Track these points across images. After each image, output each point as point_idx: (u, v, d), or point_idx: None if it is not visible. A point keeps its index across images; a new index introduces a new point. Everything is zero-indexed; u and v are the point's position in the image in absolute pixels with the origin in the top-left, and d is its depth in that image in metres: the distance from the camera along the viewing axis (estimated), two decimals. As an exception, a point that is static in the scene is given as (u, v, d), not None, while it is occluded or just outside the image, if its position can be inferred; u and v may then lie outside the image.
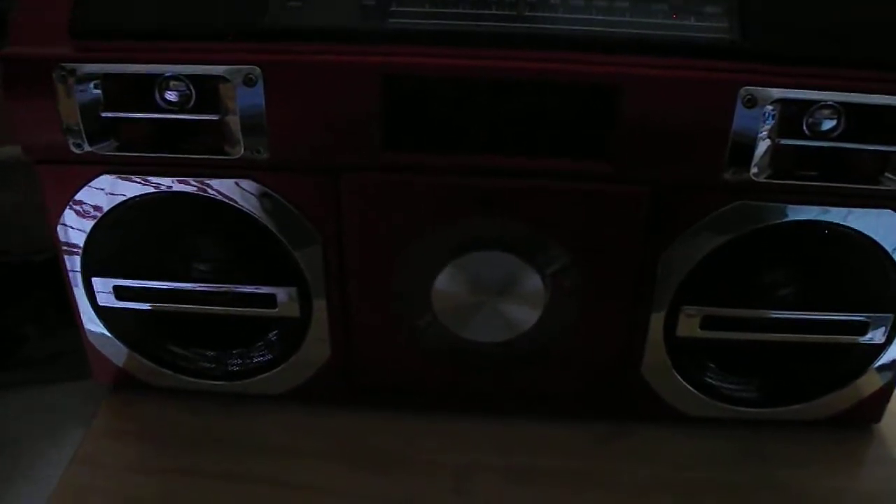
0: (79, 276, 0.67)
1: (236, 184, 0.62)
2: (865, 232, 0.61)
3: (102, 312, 0.69)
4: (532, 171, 0.60)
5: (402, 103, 0.58)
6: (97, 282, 0.67)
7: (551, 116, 0.59)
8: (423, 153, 0.60)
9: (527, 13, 0.57)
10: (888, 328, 0.65)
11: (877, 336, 0.65)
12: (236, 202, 0.62)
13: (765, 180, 0.58)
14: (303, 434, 0.71)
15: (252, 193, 0.62)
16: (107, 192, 0.63)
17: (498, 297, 0.64)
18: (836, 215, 0.61)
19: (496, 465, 0.68)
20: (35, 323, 1.35)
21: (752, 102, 0.56)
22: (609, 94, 0.57)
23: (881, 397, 0.70)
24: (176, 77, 0.58)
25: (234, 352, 0.71)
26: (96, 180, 0.62)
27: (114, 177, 0.62)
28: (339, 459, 0.69)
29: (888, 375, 0.68)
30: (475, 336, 0.66)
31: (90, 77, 0.58)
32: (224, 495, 0.66)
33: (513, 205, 0.61)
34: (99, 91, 0.59)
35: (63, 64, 0.57)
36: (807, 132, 0.58)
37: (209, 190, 0.62)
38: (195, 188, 0.62)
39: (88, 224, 0.64)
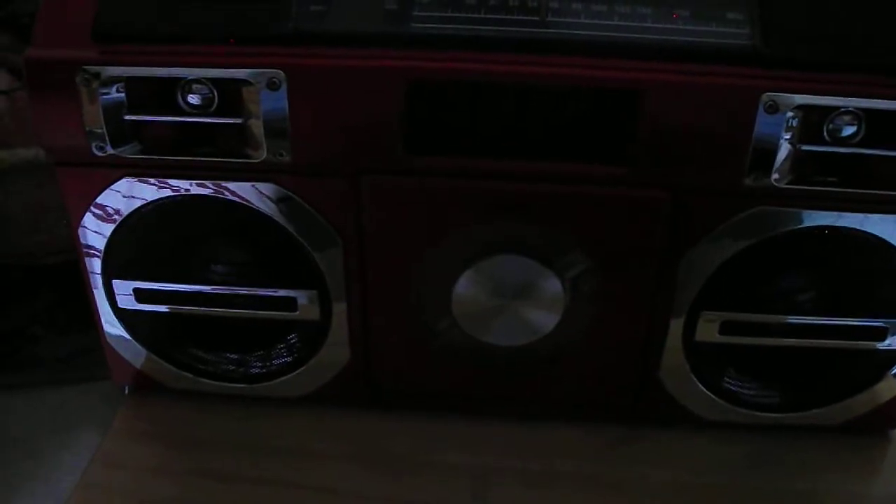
0: (99, 279, 0.67)
1: (253, 186, 0.62)
2: (883, 237, 0.61)
3: (122, 315, 0.69)
4: (553, 175, 0.60)
5: (425, 107, 0.59)
6: (117, 284, 0.67)
7: (573, 121, 0.59)
8: (445, 157, 0.60)
9: (549, 18, 0.57)
10: (906, 334, 0.65)
11: (895, 342, 0.65)
12: (255, 205, 0.63)
13: (786, 186, 0.59)
14: (321, 437, 0.71)
15: (270, 196, 0.62)
16: (128, 195, 0.63)
17: (517, 301, 0.64)
18: (853, 220, 0.61)
19: (513, 469, 0.69)
20: (45, 324, 1.35)
21: (773, 108, 0.56)
22: (631, 99, 0.57)
23: (900, 403, 0.70)
24: (198, 80, 0.58)
25: (254, 354, 0.72)
26: (118, 183, 0.63)
27: (135, 180, 0.62)
28: (357, 462, 0.69)
29: (907, 381, 0.68)
30: (494, 340, 0.66)
31: (114, 80, 0.58)
32: (242, 497, 0.66)
33: (534, 209, 0.61)
34: (122, 94, 0.59)
35: (86, 67, 0.57)
36: (827, 138, 0.58)
37: (227, 193, 0.62)
38: (212, 191, 0.62)
39: (109, 227, 0.65)
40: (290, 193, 0.62)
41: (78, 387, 1.30)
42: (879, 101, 0.56)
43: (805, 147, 0.58)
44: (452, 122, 0.60)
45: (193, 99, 0.59)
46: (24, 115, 1.09)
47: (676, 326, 0.66)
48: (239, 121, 0.59)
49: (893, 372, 0.67)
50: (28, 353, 1.32)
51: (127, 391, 0.75)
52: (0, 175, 1.08)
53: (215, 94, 0.59)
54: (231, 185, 0.62)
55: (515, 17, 0.58)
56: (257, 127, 0.59)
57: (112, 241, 0.65)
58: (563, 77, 0.57)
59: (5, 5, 1.16)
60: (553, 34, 0.57)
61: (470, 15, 0.58)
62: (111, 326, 0.70)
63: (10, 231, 1.15)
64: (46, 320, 1.35)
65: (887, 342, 0.65)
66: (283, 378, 0.71)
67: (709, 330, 0.65)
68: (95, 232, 0.65)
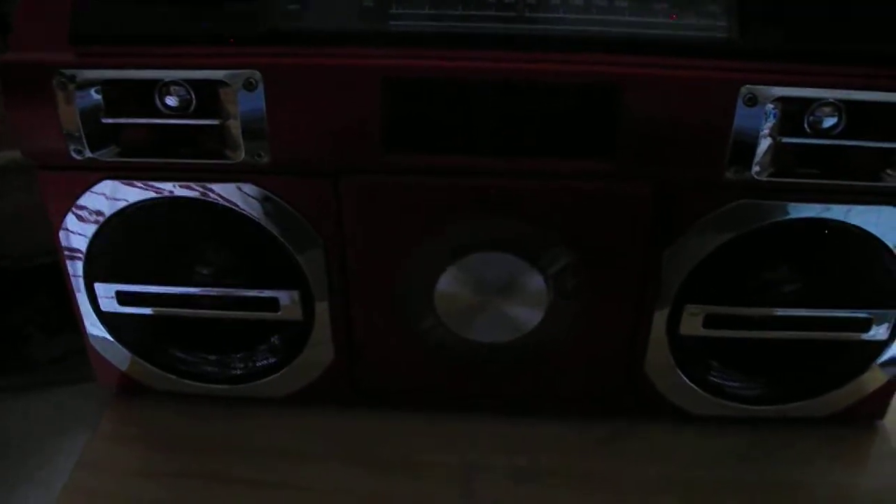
0: (81, 282, 0.67)
1: (238, 188, 0.62)
2: (867, 228, 0.61)
3: (105, 317, 0.69)
4: (533, 171, 0.60)
5: (403, 105, 0.58)
6: (100, 287, 0.67)
7: (552, 117, 0.59)
8: (425, 155, 0.60)
9: (527, 14, 0.57)
10: (891, 325, 0.65)
11: (880, 332, 0.65)
12: (238, 206, 0.62)
13: (766, 179, 0.58)
14: (307, 437, 0.71)
15: (253, 197, 0.62)
16: (108, 197, 0.63)
17: (501, 298, 0.64)
18: (836, 212, 0.60)
19: (501, 466, 0.68)
20: (38, 326, 1.35)
21: (752, 101, 0.56)
22: (610, 94, 0.57)
23: (885, 393, 0.70)
24: (176, 82, 0.58)
25: (238, 355, 0.71)
26: (98, 186, 0.62)
27: (115, 182, 0.62)
28: (343, 462, 0.69)
29: (892, 371, 0.68)
30: (478, 337, 0.66)
31: (90, 83, 0.58)
32: (228, 498, 0.66)
33: (514, 205, 0.61)
34: (99, 97, 0.59)
35: (63, 70, 0.57)
36: (808, 130, 0.58)
37: (210, 194, 0.62)
38: (197, 193, 0.62)
39: (90, 229, 0.64)
40: (269, 194, 0.62)
41: (71, 388, 1.30)
42: (859, 92, 0.56)
43: (785, 139, 0.57)
44: (432, 119, 0.60)
45: (171, 101, 0.59)
46: (11, 117, 1.09)
47: (661, 320, 0.65)
48: (216, 122, 0.59)
49: (879, 363, 0.67)
50: (21, 354, 1.32)
51: (114, 393, 0.75)
52: (-10, 176, 1.08)
53: (193, 95, 0.59)
54: (216, 187, 0.62)
55: (493, 13, 0.57)
56: (235, 128, 0.59)
57: (93, 243, 0.65)
58: (541, 73, 0.57)
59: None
60: (531, 30, 0.57)
61: (447, 11, 0.57)
62: (94, 329, 0.70)
63: (2, 232, 1.15)
64: (40, 321, 1.35)
65: (871, 333, 0.65)
66: (267, 378, 0.71)
67: (693, 323, 0.65)
68: (77, 234, 0.65)
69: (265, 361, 0.71)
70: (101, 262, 0.66)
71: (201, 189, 0.62)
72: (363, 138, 0.59)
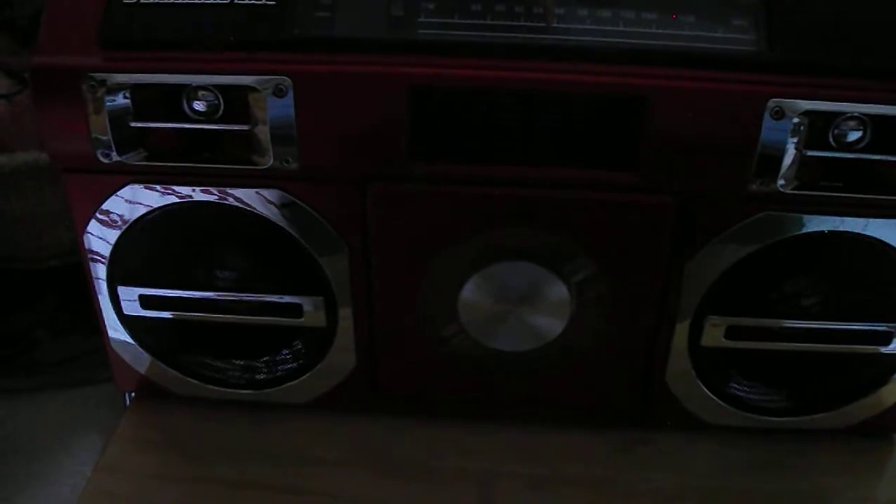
0: (104, 285, 0.67)
1: (257, 193, 0.62)
2: (888, 241, 0.61)
3: (127, 321, 0.69)
4: (559, 181, 0.61)
5: (431, 114, 0.59)
6: (123, 290, 0.67)
7: (579, 127, 0.60)
8: (451, 164, 0.60)
9: (555, 25, 0.58)
10: (911, 338, 0.66)
11: (900, 346, 0.66)
12: (262, 212, 0.63)
13: (791, 191, 0.59)
14: (327, 442, 0.71)
15: (274, 203, 0.62)
16: (133, 201, 0.63)
17: (523, 307, 0.64)
18: (858, 225, 0.61)
19: (520, 474, 0.69)
20: (47, 328, 1.35)
21: (779, 114, 0.56)
22: (637, 105, 0.57)
23: (903, 407, 0.70)
24: (204, 87, 0.58)
25: (260, 361, 0.72)
26: (123, 190, 0.63)
27: (140, 186, 0.62)
28: (363, 468, 0.69)
29: (911, 385, 0.68)
30: (501, 346, 0.66)
31: (119, 87, 0.58)
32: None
33: (540, 215, 0.61)
34: (128, 101, 0.59)
35: (93, 74, 0.57)
36: (833, 143, 0.58)
37: (233, 200, 0.62)
38: (216, 197, 0.62)
39: (114, 233, 0.65)
40: (295, 200, 0.62)
41: (79, 390, 1.30)
42: (885, 106, 0.56)
43: (811, 152, 0.58)
44: (459, 128, 0.60)
45: (199, 106, 0.59)
46: (23, 119, 1.09)
47: (682, 331, 0.66)
48: (245, 128, 0.59)
49: (898, 376, 0.68)
50: (30, 356, 1.32)
51: (132, 397, 0.75)
52: (1, 179, 1.08)
53: (221, 100, 0.59)
54: (236, 192, 0.62)
55: (521, 24, 0.58)
56: (263, 133, 0.59)
57: (117, 247, 0.65)
58: (568, 84, 0.57)
59: (3, 8, 1.16)
60: (558, 41, 0.57)
61: (475, 21, 0.58)
62: (116, 332, 0.70)
63: (11, 234, 1.15)
64: (48, 323, 1.35)
65: (892, 346, 0.66)
66: (288, 384, 0.71)
67: (715, 334, 0.65)
68: (100, 238, 0.65)
69: (287, 367, 0.71)
70: (125, 266, 0.67)
71: (224, 194, 0.62)
72: (390, 146, 0.59)
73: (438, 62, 0.57)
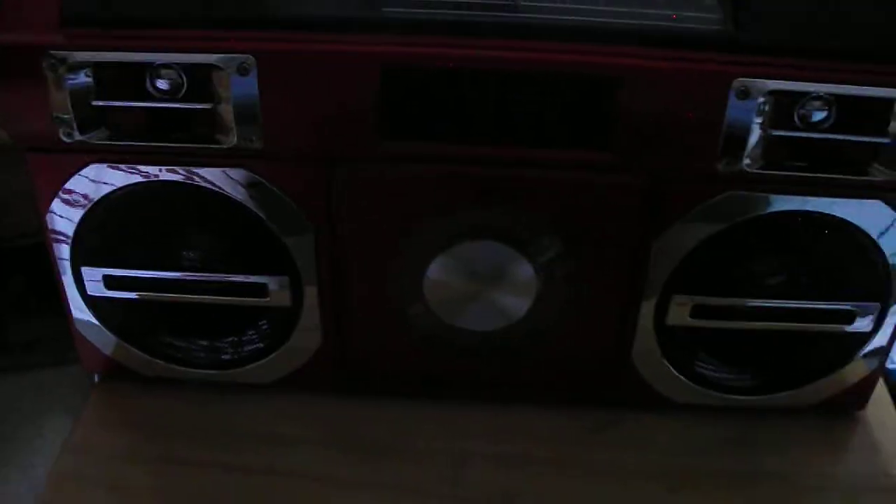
0: (67, 265, 0.67)
1: (223, 172, 0.61)
2: (852, 221, 0.62)
3: (91, 301, 0.68)
4: (527, 161, 0.60)
5: (400, 93, 0.58)
6: (86, 271, 0.67)
7: (547, 106, 0.59)
8: (420, 143, 0.60)
9: (524, 3, 0.57)
10: (875, 317, 0.66)
11: (863, 325, 0.66)
12: (225, 191, 0.62)
13: (757, 171, 0.59)
14: (295, 422, 0.71)
15: (241, 182, 0.62)
16: (96, 181, 0.62)
17: (490, 286, 0.64)
18: (823, 205, 0.61)
19: (489, 453, 0.69)
20: (15, 309, 1.34)
21: (745, 94, 0.56)
22: (604, 85, 0.57)
23: (867, 385, 0.71)
24: (167, 65, 0.58)
25: (225, 341, 0.71)
26: (86, 169, 0.62)
27: (103, 166, 0.62)
28: (332, 448, 0.69)
29: (874, 363, 0.69)
30: (468, 325, 0.66)
31: (81, 66, 0.57)
32: (216, 484, 0.66)
33: (508, 194, 0.61)
34: (90, 79, 0.58)
35: (53, 52, 0.56)
36: (798, 123, 0.58)
37: (198, 179, 0.62)
38: (184, 177, 0.62)
39: (78, 213, 0.64)
40: (260, 179, 0.61)
41: (48, 370, 1.29)
42: (850, 86, 0.56)
43: (776, 132, 0.58)
44: (427, 107, 0.60)
45: (162, 84, 0.58)
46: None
47: (648, 310, 0.66)
48: (208, 106, 0.58)
49: (862, 354, 0.68)
50: (-1, 337, 1.31)
51: (97, 378, 0.74)
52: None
53: (184, 79, 0.58)
54: (202, 171, 0.62)
55: (489, 2, 0.57)
56: (227, 112, 0.58)
57: (81, 227, 0.64)
58: (536, 63, 0.57)
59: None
60: (526, 19, 0.57)
61: (445, -1, 0.57)
62: (80, 313, 0.69)
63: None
64: (16, 304, 1.34)
65: (855, 325, 0.66)
66: (255, 364, 0.71)
67: (680, 313, 0.66)
68: (64, 218, 0.64)
69: (253, 347, 0.71)
70: (88, 246, 0.66)
71: (188, 173, 0.62)
72: (358, 126, 0.59)
73: (407, 41, 0.57)
